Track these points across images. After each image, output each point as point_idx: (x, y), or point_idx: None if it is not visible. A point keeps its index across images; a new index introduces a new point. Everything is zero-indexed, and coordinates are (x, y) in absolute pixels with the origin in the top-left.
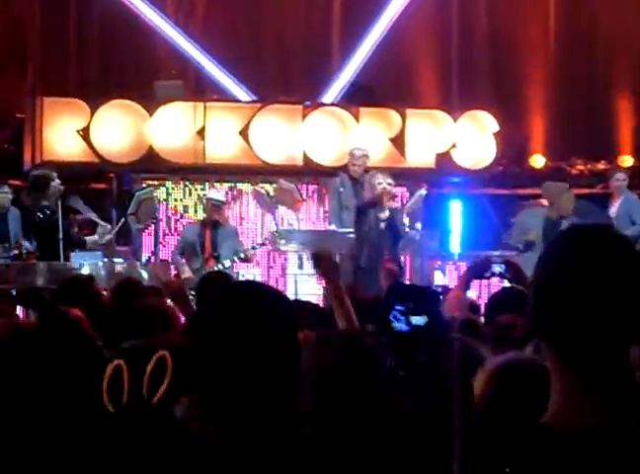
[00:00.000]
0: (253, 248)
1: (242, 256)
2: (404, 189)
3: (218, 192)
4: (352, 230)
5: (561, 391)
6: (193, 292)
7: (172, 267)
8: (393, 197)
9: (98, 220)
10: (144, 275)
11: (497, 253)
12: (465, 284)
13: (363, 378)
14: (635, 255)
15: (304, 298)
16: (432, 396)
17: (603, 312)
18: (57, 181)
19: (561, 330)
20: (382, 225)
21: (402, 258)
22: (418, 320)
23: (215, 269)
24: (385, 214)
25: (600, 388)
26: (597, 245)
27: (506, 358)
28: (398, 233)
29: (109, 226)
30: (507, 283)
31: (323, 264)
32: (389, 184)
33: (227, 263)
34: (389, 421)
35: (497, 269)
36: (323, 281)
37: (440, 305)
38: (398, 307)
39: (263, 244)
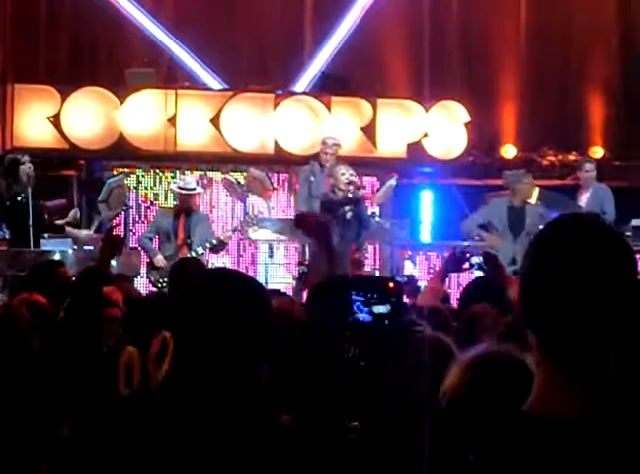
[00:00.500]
0: (233, 231)
1: (215, 242)
2: (374, 178)
3: (188, 179)
4: None
5: (544, 380)
6: (165, 279)
7: (142, 253)
8: (358, 187)
9: (75, 206)
10: (113, 262)
11: (466, 243)
12: (443, 276)
13: (320, 368)
14: (622, 244)
15: (274, 287)
16: (397, 387)
17: (589, 303)
18: (28, 165)
19: (546, 320)
20: (348, 216)
21: (370, 247)
22: (380, 309)
23: (188, 256)
24: (349, 208)
25: (583, 379)
26: (584, 235)
27: (481, 349)
28: (363, 223)
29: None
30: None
31: (305, 224)
32: (351, 174)
33: (200, 250)
34: (352, 410)
35: (475, 260)
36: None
37: (402, 295)
38: (360, 298)
39: (236, 229)
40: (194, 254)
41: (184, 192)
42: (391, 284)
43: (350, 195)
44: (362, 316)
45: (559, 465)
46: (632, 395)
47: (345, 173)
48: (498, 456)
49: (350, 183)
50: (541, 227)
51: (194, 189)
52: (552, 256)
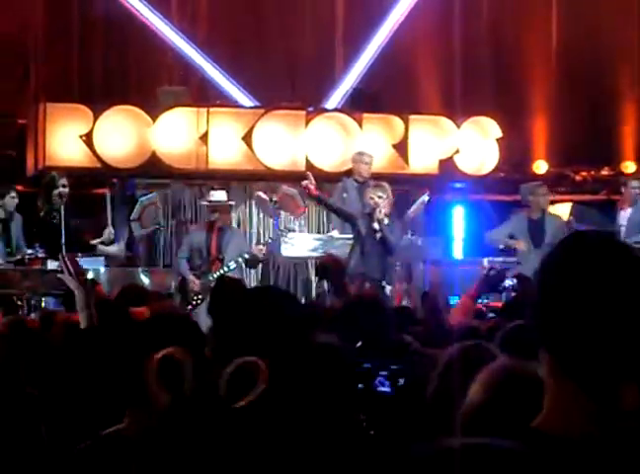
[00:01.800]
0: (263, 244)
1: (247, 257)
2: (407, 195)
3: (218, 192)
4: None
5: (555, 397)
6: (199, 296)
7: (176, 273)
8: (386, 213)
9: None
10: (146, 280)
11: (500, 259)
12: (477, 295)
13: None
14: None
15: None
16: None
17: (604, 321)
18: (63, 189)
19: (559, 337)
20: (377, 236)
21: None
22: (401, 381)
23: (221, 271)
24: (376, 226)
25: (597, 398)
26: (600, 253)
27: (501, 364)
28: (388, 248)
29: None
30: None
31: (329, 273)
32: (379, 197)
33: (232, 264)
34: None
35: (508, 283)
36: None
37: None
38: (382, 372)
39: (266, 243)
40: (226, 269)
41: (214, 204)
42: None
43: (377, 216)
44: (384, 389)
45: None
46: None
47: (373, 197)
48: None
49: (375, 206)
50: (560, 240)
51: (225, 201)
52: (572, 274)
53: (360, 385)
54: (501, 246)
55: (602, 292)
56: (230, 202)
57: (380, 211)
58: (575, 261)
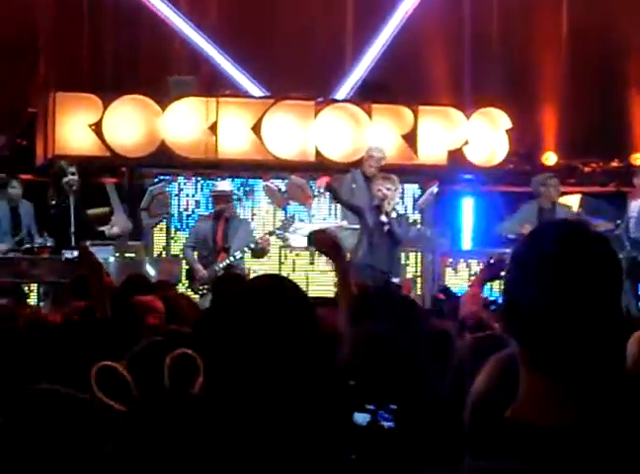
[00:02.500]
0: (270, 233)
1: (253, 247)
2: (416, 185)
3: (224, 183)
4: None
5: (529, 387)
6: (206, 286)
7: (183, 262)
8: (393, 206)
9: (120, 214)
10: (152, 271)
11: (508, 250)
12: (482, 283)
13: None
14: (608, 252)
15: (316, 295)
16: None
17: (574, 311)
18: (72, 176)
19: (532, 334)
20: (385, 229)
21: (411, 254)
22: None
23: (227, 261)
24: (384, 219)
25: (568, 388)
26: (561, 243)
27: (505, 354)
28: (395, 239)
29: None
30: None
31: (321, 242)
32: (388, 189)
33: (238, 254)
34: None
35: None
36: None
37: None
38: (388, 408)
39: (272, 233)
40: (232, 259)
41: (219, 194)
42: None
43: (385, 208)
44: (387, 424)
45: (541, 471)
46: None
47: (381, 189)
48: (483, 462)
49: (384, 198)
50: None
51: (224, 191)
52: (538, 267)
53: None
54: (511, 236)
55: (563, 282)
56: (234, 193)
57: (389, 203)
58: (537, 252)
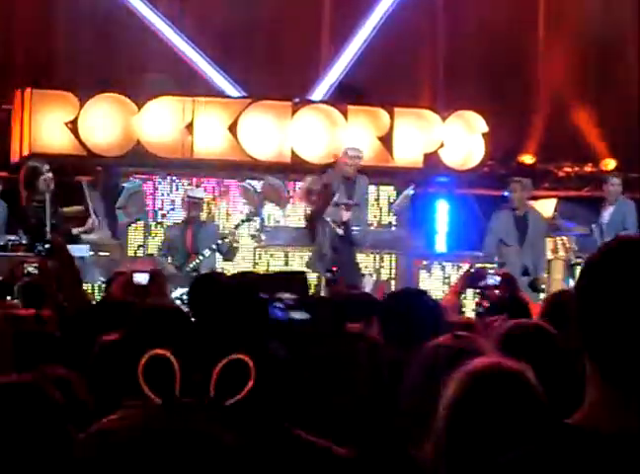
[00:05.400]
0: (236, 226)
1: (220, 242)
2: (391, 187)
3: (198, 189)
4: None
5: (596, 398)
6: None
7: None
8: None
9: (92, 213)
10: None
11: (482, 254)
12: (459, 291)
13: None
14: None
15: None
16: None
17: None
18: (47, 174)
19: (605, 348)
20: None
21: (385, 257)
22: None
23: (196, 261)
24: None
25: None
26: None
27: (486, 361)
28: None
29: (97, 221)
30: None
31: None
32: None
33: (207, 252)
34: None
35: (491, 281)
36: None
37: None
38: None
39: (238, 226)
40: (201, 257)
41: (194, 200)
42: None
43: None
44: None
45: None
46: None
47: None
48: (543, 469)
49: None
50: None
51: (201, 198)
52: (614, 280)
53: None
54: (497, 259)
55: None
56: (206, 199)
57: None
58: (616, 267)
